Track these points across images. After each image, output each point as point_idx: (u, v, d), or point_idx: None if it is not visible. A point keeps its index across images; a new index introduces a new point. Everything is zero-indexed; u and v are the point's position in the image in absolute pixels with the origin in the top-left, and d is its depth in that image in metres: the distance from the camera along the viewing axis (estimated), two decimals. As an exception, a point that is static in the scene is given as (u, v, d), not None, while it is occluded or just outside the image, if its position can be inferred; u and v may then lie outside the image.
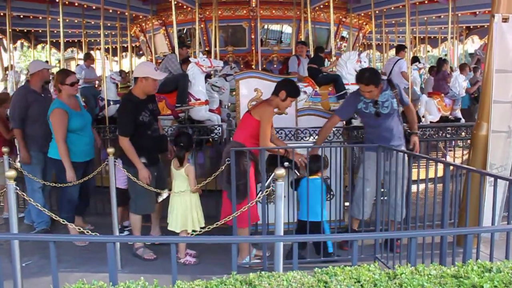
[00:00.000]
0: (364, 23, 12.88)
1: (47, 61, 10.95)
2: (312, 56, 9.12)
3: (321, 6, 10.84)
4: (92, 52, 14.89)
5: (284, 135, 5.27)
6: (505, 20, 4.67)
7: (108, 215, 4.63)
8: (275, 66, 11.26)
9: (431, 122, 8.92)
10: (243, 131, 4.58)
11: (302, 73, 8.79)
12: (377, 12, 11.76)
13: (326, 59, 9.27)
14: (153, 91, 4.81)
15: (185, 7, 10.70)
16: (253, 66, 10.59)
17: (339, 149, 5.28)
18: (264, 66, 11.18)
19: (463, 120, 9.32)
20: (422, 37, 15.14)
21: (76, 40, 15.21)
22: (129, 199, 4.80)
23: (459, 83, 9.62)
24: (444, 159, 6.47)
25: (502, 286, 1.38)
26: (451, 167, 3.98)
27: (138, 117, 4.57)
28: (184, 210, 4.56)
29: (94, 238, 2.78)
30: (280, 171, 3.15)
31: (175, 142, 4.75)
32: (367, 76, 4.80)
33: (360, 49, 14.24)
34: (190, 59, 7.96)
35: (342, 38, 13.26)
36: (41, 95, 5.50)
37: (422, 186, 6.13)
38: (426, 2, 11.28)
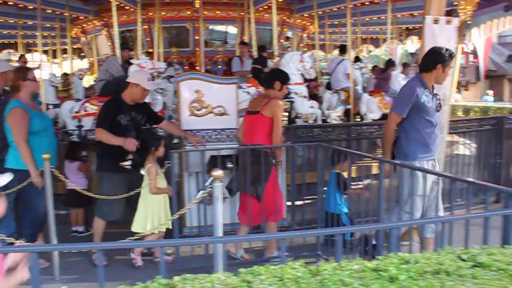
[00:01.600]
0: (308, 24, 13.06)
1: None
2: (256, 56, 9.18)
3: (265, 7, 10.90)
4: (30, 54, 14.36)
5: (226, 136, 5.28)
6: (436, 21, 4.87)
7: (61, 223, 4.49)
8: (219, 67, 11.24)
9: (373, 120, 9.16)
10: (258, 134, 4.66)
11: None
12: (320, 13, 11.95)
13: (270, 60, 9.30)
14: (139, 100, 4.77)
15: (127, 7, 10.48)
16: (197, 68, 10.51)
17: (284, 149, 5.36)
18: (209, 67, 11.14)
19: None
20: (364, 37, 15.53)
21: (13, 42, 14.62)
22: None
23: (398, 81, 9.92)
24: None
25: (417, 276, 1.43)
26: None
27: (117, 117, 4.55)
28: (144, 210, 4.52)
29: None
30: (218, 173, 3.15)
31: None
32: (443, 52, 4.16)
33: (305, 49, 14.44)
34: (131, 61, 7.83)
35: (287, 38, 13.39)
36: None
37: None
38: (367, 3, 11.55)
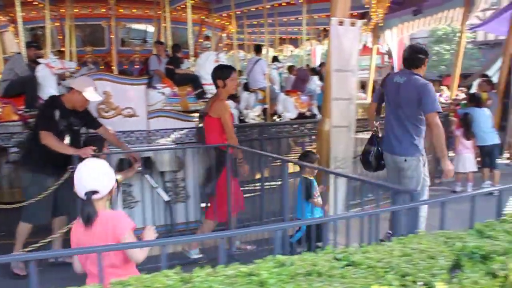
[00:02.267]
0: (227, 23, 13.04)
1: None
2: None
3: (183, 6, 10.75)
4: None
5: (135, 138, 5.14)
6: (341, 23, 5.01)
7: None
8: (137, 67, 10.96)
9: (290, 119, 9.32)
10: (212, 134, 4.80)
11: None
12: (238, 13, 11.97)
13: (186, 60, 9.18)
14: (79, 108, 4.56)
15: (35, 2, 9.92)
16: (113, 67, 10.18)
17: (196, 150, 5.33)
18: (126, 67, 10.83)
19: (319, 116, 9.86)
20: (284, 37, 15.77)
21: None
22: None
23: (315, 81, 10.17)
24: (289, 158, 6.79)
25: (288, 279, 1.43)
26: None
27: (54, 122, 4.37)
28: None
29: None
30: (118, 176, 3.05)
31: None
32: None
33: (225, 49, 14.45)
34: (39, 60, 7.43)
35: (207, 37, 13.29)
36: None
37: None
38: (284, 4, 11.70)
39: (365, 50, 20.10)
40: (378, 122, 5.09)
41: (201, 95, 7.62)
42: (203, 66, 7.91)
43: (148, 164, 5.00)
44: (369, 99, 17.90)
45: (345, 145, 5.14)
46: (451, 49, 28.61)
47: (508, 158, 10.10)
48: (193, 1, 9.55)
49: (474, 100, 7.79)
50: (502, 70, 9.09)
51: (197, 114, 5.85)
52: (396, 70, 24.09)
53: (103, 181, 2.55)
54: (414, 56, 4.62)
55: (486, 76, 10.59)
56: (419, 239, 1.89)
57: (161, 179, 5.20)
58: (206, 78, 7.85)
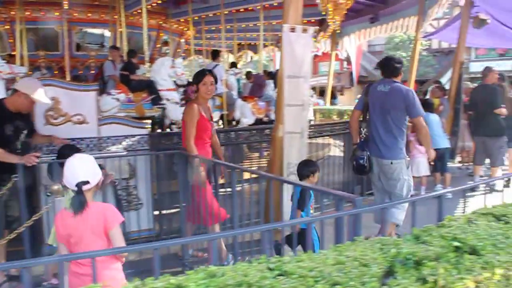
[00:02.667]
0: (186, 29, 12.96)
1: None
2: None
3: (139, 11, 10.61)
4: None
5: (86, 146, 5.01)
6: (292, 30, 5.04)
7: None
8: (92, 72, 10.74)
9: (248, 125, 9.32)
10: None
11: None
12: (196, 18, 11.92)
13: (142, 65, 9.06)
14: (23, 110, 4.34)
15: (-16, 5, 9.63)
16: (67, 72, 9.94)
17: (148, 157, 5.25)
18: (81, 72, 10.61)
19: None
20: (243, 43, 15.81)
21: None
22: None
23: (271, 86, 10.20)
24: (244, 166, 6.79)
25: (215, 290, 1.41)
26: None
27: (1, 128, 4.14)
28: None
29: None
30: (55, 187, 2.98)
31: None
32: None
33: (183, 54, 14.35)
34: (-14, 64, 7.19)
35: (166, 43, 13.18)
36: None
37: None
38: (242, 10, 11.73)
39: (325, 56, 20.43)
40: (364, 129, 5.27)
41: (156, 101, 7.54)
42: (159, 72, 7.84)
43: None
44: (328, 105, 18.21)
45: (298, 151, 5.17)
46: (407, 56, 29.33)
47: (460, 162, 10.39)
48: (149, 6, 9.42)
49: (427, 106, 7.98)
50: (453, 77, 9.34)
51: (150, 121, 5.76)
52: (354, 76, 24.70)
53: (93, 173, 2.77)
54: (393, 66, 5.02)
55: (438, 82, 10.88)
56: (355, 247, 1.90)
57: (112, 187, 5.08)
58: (162, 84, 7.80)
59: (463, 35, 9.88)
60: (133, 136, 5.27)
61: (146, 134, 5.44)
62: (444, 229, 2.27)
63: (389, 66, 5.03)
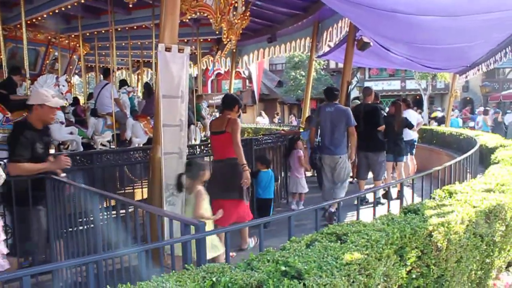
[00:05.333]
0: (78, 45, 12.44)
1: None
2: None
3: (29, 22, 9.98)
4: None
5: None
6: (168, 49, 4.97)
7: None
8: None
9: (138, 145, 9.08)
10: (231, 148, 5.55)
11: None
12: (88, 34, 11.50)
13: (24, 82, 8.52)
14: (50, 120, 4.57)
15: None
16: None
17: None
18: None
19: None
20: (143, 60, 15.51)
21: None
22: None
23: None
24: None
25: None
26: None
27: (33, 146, 4.21)
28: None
29: None
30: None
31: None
32: None
33: (76, 71, 13.79)
34: None
35: (56, 59, 12.54)
36: None
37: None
38: (135, 27, 11.49)
39: (227, 74, 20.60)
40: (318, 139, 7.40)
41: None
42: (40, 89, 7.41)
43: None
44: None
45: (176, 172, 5.06)
46: (306, 75, 30.53)
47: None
48: (29, 21, 8.93)
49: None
50: (341, 96, 9.75)
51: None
52: (256, 93, 25.17)
53: None
54: (333, 93, 7.60)
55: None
56: (179, 276, 1.84)
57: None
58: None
59: (349, 56, 10.42)
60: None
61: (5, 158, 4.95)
62: (282, 252, 2.28)
63: (332, 94, 7.55)
